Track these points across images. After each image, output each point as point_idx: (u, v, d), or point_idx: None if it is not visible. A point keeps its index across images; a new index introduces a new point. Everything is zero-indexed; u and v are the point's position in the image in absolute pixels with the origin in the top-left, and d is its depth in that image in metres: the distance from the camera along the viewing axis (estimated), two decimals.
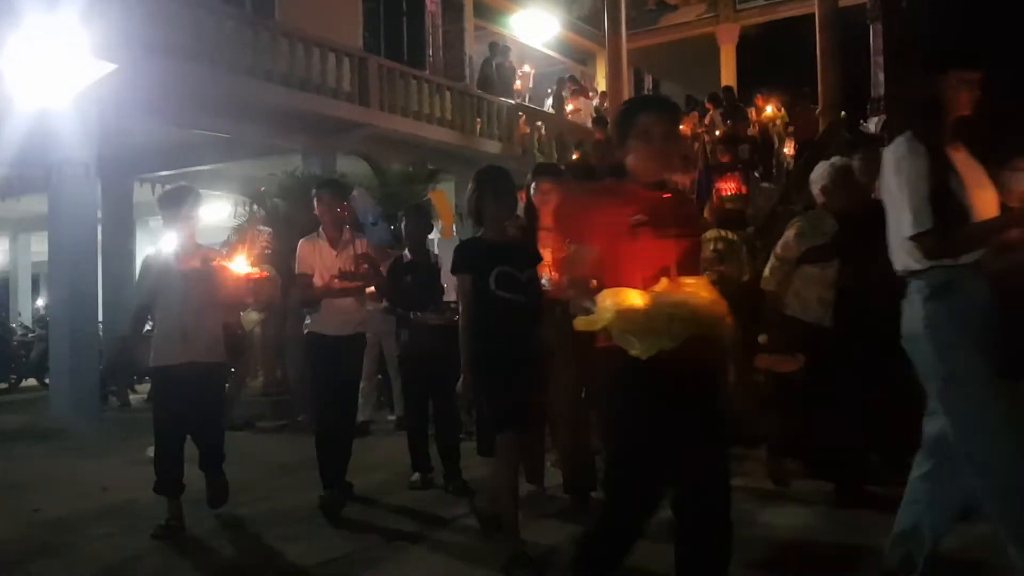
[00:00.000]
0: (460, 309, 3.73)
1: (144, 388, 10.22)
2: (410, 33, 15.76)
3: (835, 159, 4.66)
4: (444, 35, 16.14)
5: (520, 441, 3.67)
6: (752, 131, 12.92)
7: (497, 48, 15.89)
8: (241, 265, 4.92)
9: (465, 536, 4.20)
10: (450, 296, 4.93)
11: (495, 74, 15.42)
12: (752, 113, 14.03)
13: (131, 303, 4.62)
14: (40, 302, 19.87)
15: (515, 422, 3.61)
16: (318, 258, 4.82)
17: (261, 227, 9.17)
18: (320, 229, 4.93)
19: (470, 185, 3.86)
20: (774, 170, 12.59)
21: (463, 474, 5.11)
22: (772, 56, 17.43)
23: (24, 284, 19.53)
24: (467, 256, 3.76)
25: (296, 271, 4.87)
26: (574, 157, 11.29)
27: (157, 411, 4.47)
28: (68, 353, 9.01)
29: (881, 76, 6.02)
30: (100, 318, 10.15)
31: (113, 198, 12.03)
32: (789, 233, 4.62)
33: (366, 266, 4.80)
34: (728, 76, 18.42)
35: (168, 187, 4.52)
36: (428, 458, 5.28)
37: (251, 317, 7.74)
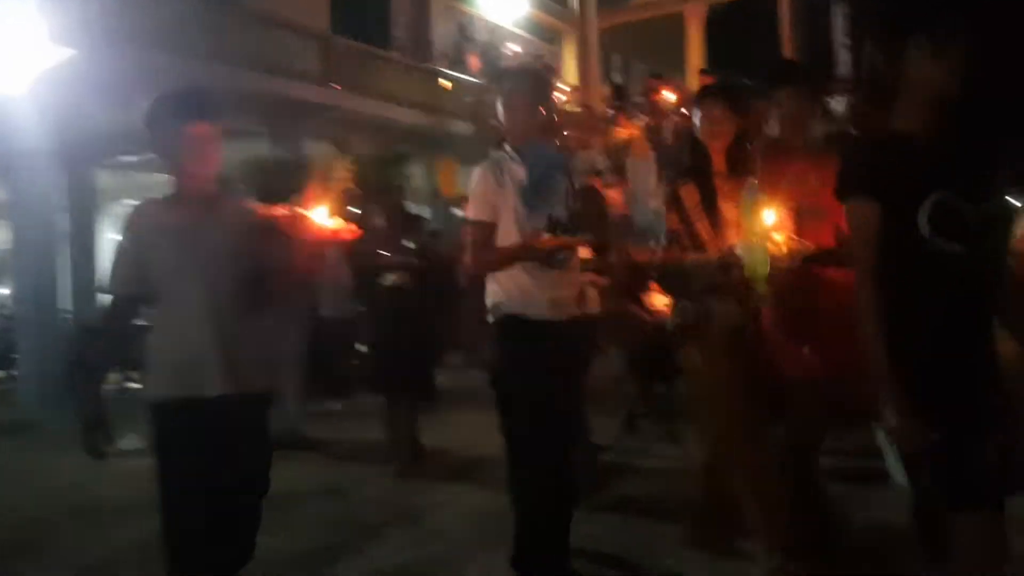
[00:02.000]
0: (856, 267, 1.99)
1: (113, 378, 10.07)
2: (376, 13, 15.58)
3: None
4: (410, 14, 15.99)
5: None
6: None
7: (466, 30, 15.81)
8: (323, 216, 2.70)
9: (443, 525, 4.21)
10: None
11: (462, 50, 15.32)
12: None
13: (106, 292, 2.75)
14: (5, 291, 19.50)
15: (981, 492, 1.91)
16: (510, 197, 2.89)
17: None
18: (507, 146, 2.97)
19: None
20: None
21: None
22: (740, 34, 17.49)
23: None
24: (871, 165, 1.96)
25: (471, 218, 2.95)
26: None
27: (164, 474, 2.64)
28: (35, 344, 8.90)
29: (846, 55, 6.05)
30: (70, 307, 9.98)
31: (77, 185, 11.82)
32: None
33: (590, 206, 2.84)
34: (695, 55, 18.47)
35: (160, 95, 2.74)
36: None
37: None
